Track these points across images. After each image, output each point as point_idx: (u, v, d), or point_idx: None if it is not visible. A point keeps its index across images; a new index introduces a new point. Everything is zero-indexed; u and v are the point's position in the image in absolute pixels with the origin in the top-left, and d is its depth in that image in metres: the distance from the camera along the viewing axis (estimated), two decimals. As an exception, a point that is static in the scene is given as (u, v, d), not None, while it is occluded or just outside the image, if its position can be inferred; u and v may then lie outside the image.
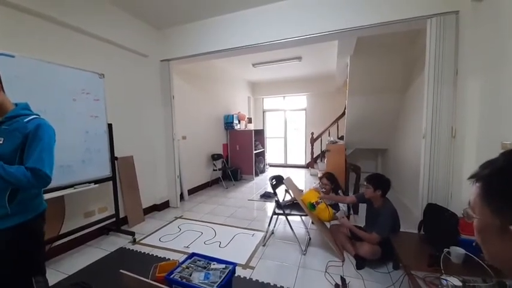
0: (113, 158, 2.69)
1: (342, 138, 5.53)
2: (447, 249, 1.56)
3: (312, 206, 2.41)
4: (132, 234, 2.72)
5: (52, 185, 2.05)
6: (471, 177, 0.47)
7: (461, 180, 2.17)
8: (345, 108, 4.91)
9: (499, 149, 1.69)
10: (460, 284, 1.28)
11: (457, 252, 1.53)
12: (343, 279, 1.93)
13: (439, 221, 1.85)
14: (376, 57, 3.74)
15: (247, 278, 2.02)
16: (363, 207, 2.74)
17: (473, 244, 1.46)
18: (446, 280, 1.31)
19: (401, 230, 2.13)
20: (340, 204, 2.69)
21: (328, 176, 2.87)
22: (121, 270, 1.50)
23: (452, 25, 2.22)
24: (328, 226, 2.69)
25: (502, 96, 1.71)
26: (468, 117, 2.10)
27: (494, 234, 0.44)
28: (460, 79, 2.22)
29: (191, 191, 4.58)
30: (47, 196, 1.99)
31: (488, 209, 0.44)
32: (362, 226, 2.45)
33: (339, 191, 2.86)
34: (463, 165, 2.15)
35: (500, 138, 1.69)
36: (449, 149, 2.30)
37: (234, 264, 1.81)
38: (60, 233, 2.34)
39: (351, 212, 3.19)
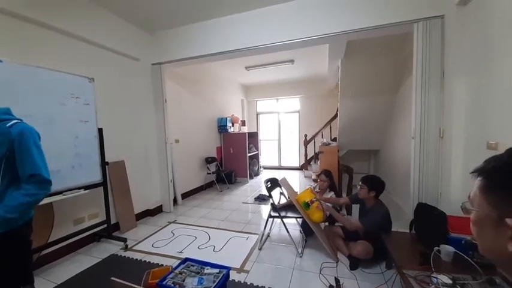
0: (104, 163, 2.64)
1: (335, 139, 5.58)
2: (437, 248, 1.59)
3: (307, 205, 2.42)
4: (124, 240, 2.67)
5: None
6: (474, 171, 0.49)
7: (449, 179, 2.22)
8: (337, 110, 4.98)
9: (485, 148, 1.74)
10: (450, 281, 1.30)
11: (446, 250, 1.56)
12: (337, 280, 1.94)
13: (429, 220, 1.88)
14: (366, 60, 3.81)
15: (242, 282, 2.01)
16: (355, 209, 2.77)
17: (462, 242, 1.49)
18: (436, 278, 1.33)
19: (393, 229, 2.16)
20: (311, 186, 2.79)
21: (327, 173, 2.90)
22: (112, 278, 1.47)
23: (438, 29, 2.29)
24: (323, 227, 2.71)
25: (487, 96, 1.77)
26: (455, 118, 2.16)
27: (490, 227, 0.45)
28: (446, 81, 2.28)
29: (185, 195, 4.53)
30: (34, 203, 1.94)
31: (487, 201, 0.45)
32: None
33: (333, 193, 2.88)
34: (451, 164, 2.20)
35: (486, 138, 1.74)
36: (438, 149, 2.35)
37: (228, 269, 1.80)
38: (48, 241, 2.28)
39: (345, 213, 3.22)
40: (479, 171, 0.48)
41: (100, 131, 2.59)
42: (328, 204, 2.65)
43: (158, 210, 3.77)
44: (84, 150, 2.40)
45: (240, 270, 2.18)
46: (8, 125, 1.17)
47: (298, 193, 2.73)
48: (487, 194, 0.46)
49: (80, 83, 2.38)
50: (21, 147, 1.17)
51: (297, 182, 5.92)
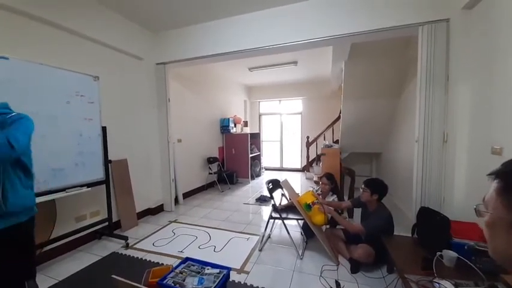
0: (107, 161, 2.66)
1: (337, 142, 5.57)
2: (440, 253, 1.57)
3: (308, 207, 2.42)
4: (125, 238, 2.67)
5: (43, 188, 2.04)
6: (492, 173, 0.49)
7: (453, 184, 2.21)
8: (340, 113, 4.96)
9: (490, 153, 1.73)
10: (453, 287, 1.29)
11: (449, 255, 1.54)
12: (337, 283, 1.93)
13: (431, 225, 1.87)
14: (370, 62, 3.80)
15: (242, 282, 2.00)
16: (357, 213, 2.76)
17: (465, 247, 1.47)
18: (439, 283, 1.32)
19: (395, 233, 2.15)
20: (313, 189, 2.80)
21: (328, 176, 2.88)
22: (113, 276, 1.47)
23: (443, 32, 2.28)
24: (324, 229, 2.69)
25: (492, 101, 1.75)
26: (459, 122, 2.15)
27: (504, 230, 0.45)
28: (451, 85, 2.27)
29: (186, 195, 4.54)
30: (38, 200, 1.93)
31: (502, 204, 0.45)
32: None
33: (335, 197, 2.86)
34: (455, 169, 2.18)
35: (490, 143, 1.73)
36: (441, 154, 2.33)
37: (229, 269, 1.80)
38: (50, 238, 2.30)
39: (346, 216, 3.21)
40: (496, 174, 0.48)
41: (104, 129, 2.60)
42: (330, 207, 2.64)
43: (159, 209, 3.78)
44: (87, 148, 2.42)
45: (240, 271, 2.18)
46: (8, 116, 1.21)
47: (300, 195, 2.72)
48: (503, 196, 0.45)
49: (84, 81, 2.40)
50: (14, 121, 1.21)
51: (299, 183, 5.91)
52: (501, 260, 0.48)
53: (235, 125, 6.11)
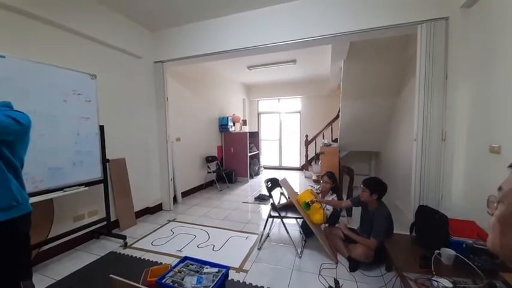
0: (105, 161, 2.64)
1: (336, 140, 5.58)
2: (438, 251, 1.58)
3: (307, 205, 2.41)
4: (124, 238, 2.67)
5: (41, 187, 2.02)
6: None
7: (451, 182, 2.21)
8: (338, 111, 4.97)
9: (488, 152, 1.73)
10: (451, 285, 1.29)
11: (447, 253, 1.55)
12: (336, 282, 1.94)
13: (430, 223, 1.87)
14: (369, 61, 3.79)
15: (241, 281, 2.00)
16: (356, 209, 2.76)
17: (464, 245, 1.48)
18: (437, 281, 1.32)
19: (394, 231, 2.15)
20: (313, 187, 2.79)
21: (330, 175, 2.87)
22: (111, 275, 1.47)
23: (442, 31, 2.28)
24: (323, 228, 2.70)
25: (491, 100, 1.76)
26: (458, 120, 2.15)
27: None
28: (450, 83, 2.26)
29: (185, 194, 4.53)
30: (35, 199, 1.95)
31: None
32: (356, 228, 2.47)
33: (335, 196, 2.85)
34: (453, 167, 2.18)
35: (488, 141, 1.74)
36: (440, 152, 2.34)
37: (227, 268, 1.80)
38: (48, 237, 2.28)
39: (345, 214, 3.21)
40: None
41: (101, 128, 2.59)
42: (329, 208, 2.64)
43: (158, 208, 3.77)
44: (85, 147, 2.40)
45: (239, 269, 2.17)
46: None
47: (299, 194, 2.72)
48: None
49: (81, 80, 2.38)
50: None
51: (297, 182, 5.91)
52: (509, 257, 0.47)
53: (234, 124, 6.10)
